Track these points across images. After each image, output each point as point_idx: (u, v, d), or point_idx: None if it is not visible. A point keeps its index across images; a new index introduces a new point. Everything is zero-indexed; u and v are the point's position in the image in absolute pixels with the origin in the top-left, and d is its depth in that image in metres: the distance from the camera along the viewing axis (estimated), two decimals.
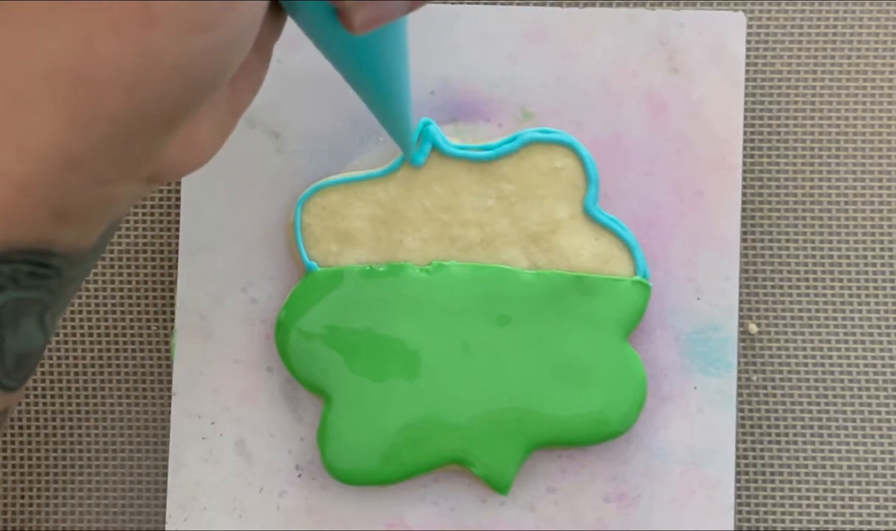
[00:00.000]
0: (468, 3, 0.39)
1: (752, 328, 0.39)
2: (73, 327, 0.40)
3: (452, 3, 0.39)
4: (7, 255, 0.24)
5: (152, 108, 0.23)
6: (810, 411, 0.39)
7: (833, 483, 0.39)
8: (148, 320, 0.40)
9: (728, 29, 0.38)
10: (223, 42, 0.23)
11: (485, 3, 0.40)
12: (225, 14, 0.23)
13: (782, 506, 0.39)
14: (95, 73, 0.23)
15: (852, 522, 0.39)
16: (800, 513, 0.39)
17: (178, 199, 0.39)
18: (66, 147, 0.23)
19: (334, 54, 0.28)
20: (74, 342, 0.40)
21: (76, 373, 0.40)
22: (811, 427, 0.39)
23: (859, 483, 0.39)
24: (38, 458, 0.40)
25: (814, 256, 0.40)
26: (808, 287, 0.39)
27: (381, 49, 0.28)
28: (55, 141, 0.23)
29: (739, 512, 0.39)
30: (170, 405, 0.39)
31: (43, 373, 0.40)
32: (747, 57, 0.40)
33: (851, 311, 0.39)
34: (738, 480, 0.39)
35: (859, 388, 0.39)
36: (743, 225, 0.39)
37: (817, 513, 0.39)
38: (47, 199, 0.24)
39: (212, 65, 0.24)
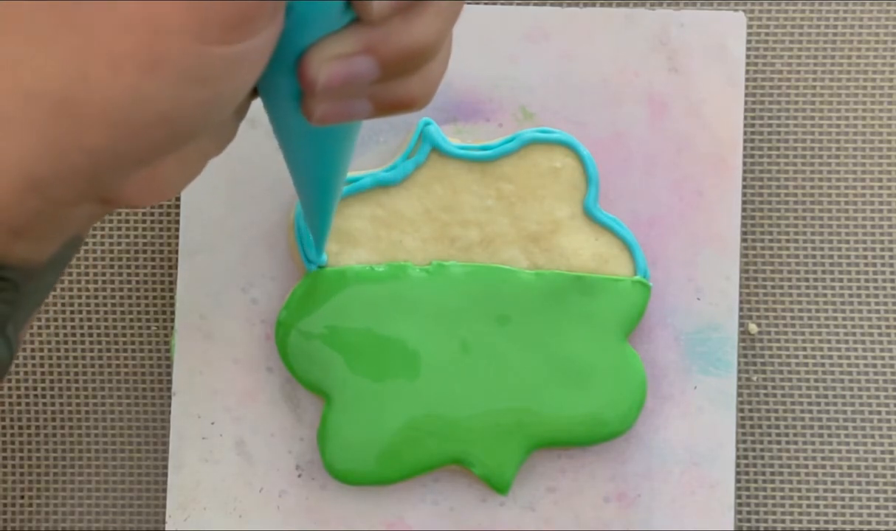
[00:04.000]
0: (468, 3, 0.39)
1: (752, 328, 0.39)
2: (73, 327, 0.40)
3: None
4: None
5: (129, 147, 0.23)
6: (810, 411, 0.39)
7: (833, 483, 0.39)
8: (148, 320, 0.40)
9: (728, 29, 0.38)
10: (216, 97, 0.23)
11: (485, 3, 0.40)
12: (226, 72, 0.23)
13: (782, 506, 0.39)
14: (82, 105, 0.22)
15: (852, 522, 0.39)
16: (800, 513, 0.39)
17: (178, 199, 0.39)
18: (31, 170, 0.23)
19: (284, 133, 0.28)
20: (74, 342, 0.40)
21: (76, 373, 0.40)
22: (811, 427, 0.39)
23: (859, 483, 0.39)
24: (38, 458, 0.40)
25: (814, 256, 0.40)
26: (808, 287, 0.39)
27: (329, 144, 0.28)
28: (21, 163, 0.23)
29: (739, 512, 0.39)
30: (170, 405, 0.39)
31: (43, 373, 0.40)
32: (747, 57, 0.40)
33: (851, 311, 0.39)
34: (738, 480, 0.39)
35: (859, 388, 0.39)
36: (743, 225, 0.39)
37: (817, 513, 0.39)
38: (2, 217, 0.23)
39: (199, 117, 0.23)
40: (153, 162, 0.24)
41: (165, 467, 0.39)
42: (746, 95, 0.40)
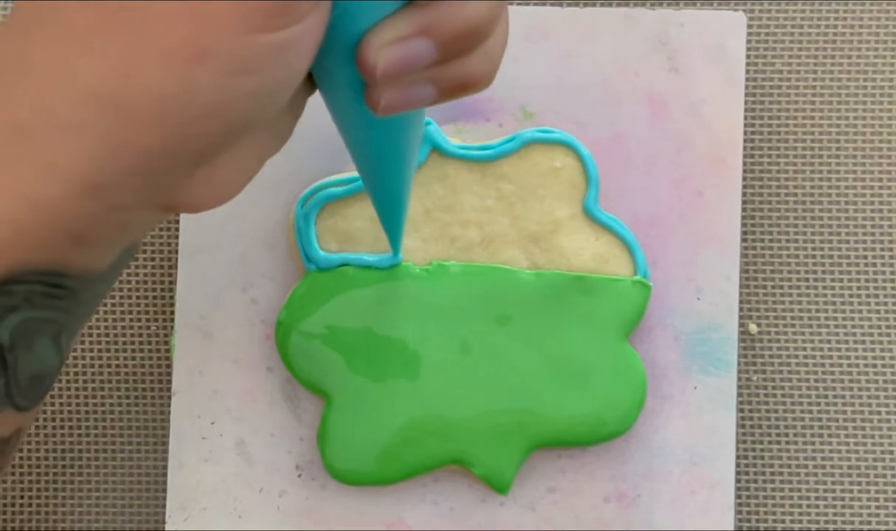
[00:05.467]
0: None
1: (752, 328, 0.39)
2: None
3: None
4: (22, 276, 0.24)
5: (183, 145, 0.23)
6: (810, 411, 0.39)
7: (833, 483, 0.39)
8: (148, 320, 0.40)
9: (728, 29, 0.38)
10: (266, 88, 0.23)
11: None
12: (274, 60, 0.23)
13: (782, 506, 0.39)
14: (135, 102, 0.22)
15: (852, 522, 0.39)
16: (800, 514, 0.39)
17: None
18: (90, 174, 0.23)
19: (348, 128, 0.28)
20: (74, 341, 0.40)
21: (76, 373, 0.40)
22: (811, 427, 0.39)
23: (859, 483, 0.39)
24: (38, 458, 0.40)
25: (814, 256, 0.40)
26: (808, 287, 0.39)
27: (395, 134, 0.28)
28: (79, 167, 0.23)
29: (739, 512, 0.39)
30: (170, 405, 0.39)
31: None
32: (747, 57, 0.40)
33: (851, 311, 0.39)
34: (738, 480, 0.39)
35: (859, 388, 0.39)
36: (743, 225, 0.39)
37: (817, 514, 0.39)
38: (64, 223, 0.23)
39: (250, 109, 0.23)
40: (208, 161, 0.24)
41: (165, 467, 0.39)
42: (746, 95, 0.40)
